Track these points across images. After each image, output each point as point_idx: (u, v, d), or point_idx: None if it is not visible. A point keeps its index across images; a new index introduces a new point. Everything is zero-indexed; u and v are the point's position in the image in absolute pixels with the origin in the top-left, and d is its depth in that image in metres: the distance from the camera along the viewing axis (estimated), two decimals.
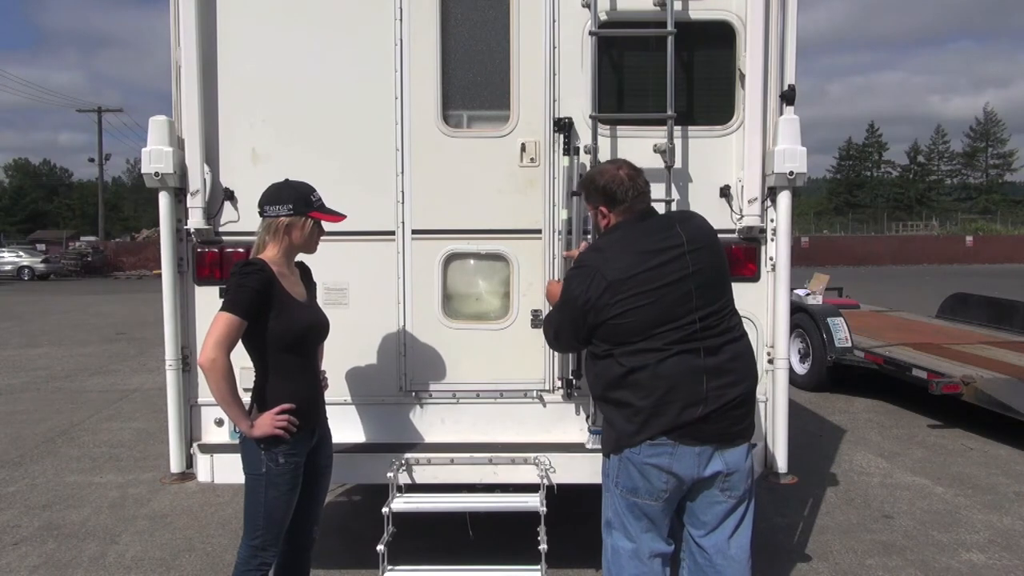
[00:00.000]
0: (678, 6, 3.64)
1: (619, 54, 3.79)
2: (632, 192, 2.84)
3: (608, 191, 2.85)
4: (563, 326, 2.90)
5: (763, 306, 3.78)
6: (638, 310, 2.66)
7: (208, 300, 3.64)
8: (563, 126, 3.68)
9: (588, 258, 2.87)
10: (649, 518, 2.79)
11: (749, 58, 3.64)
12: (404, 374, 3.83)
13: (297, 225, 2.90)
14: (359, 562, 4.15)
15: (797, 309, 8.60)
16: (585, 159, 3.67)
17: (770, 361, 3.77)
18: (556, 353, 3.77)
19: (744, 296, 3.62)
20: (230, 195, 3.75)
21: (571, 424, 3.85)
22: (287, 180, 2.98)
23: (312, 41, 3.71)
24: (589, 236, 3.71)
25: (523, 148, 3.74)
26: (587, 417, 3.79)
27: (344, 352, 3.69)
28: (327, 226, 3.03)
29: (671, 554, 2.88)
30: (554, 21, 3.69)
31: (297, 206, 2.89)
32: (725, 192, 3.75)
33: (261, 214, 2.92)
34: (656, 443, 2.67)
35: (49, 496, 5.55)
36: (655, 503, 2.75)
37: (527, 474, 3.67)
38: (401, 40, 3.70)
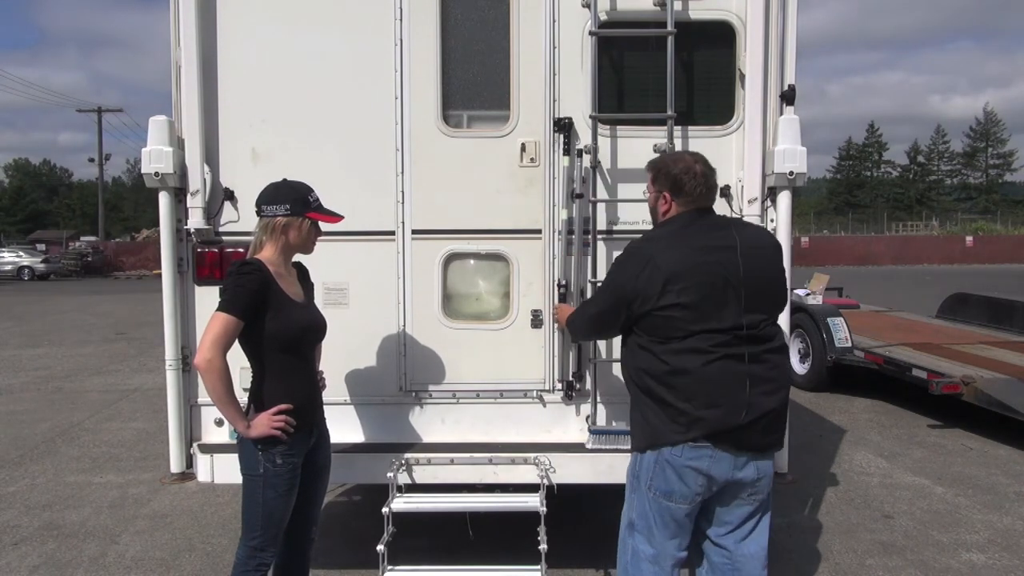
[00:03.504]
0: (678, 6, 3.64)
1: (619, 54, 3.79)
2: (701, 188, 2.79)
3: (678, 180, 2.79)
4: (605, 311, 2.83)
5: None
6: (687, 307, 2.61)
7: (208, 300, 3.62)
8: (563, 126, 3.68)
9: (642, 246, 2.80)
10: (677, 522, 2.76)
11: (749, 58, 3.64)
12: (404, 374, 3.83)
13: (294, 225, 2.89)
14: (359, 562, 4.15)
15: (797, 309, 8.60)
16: (586, 159, 3.67)
17: None
18: (556, 354, 3.77)
19: None
20: (230, 195, 3.75)
21: (571, 424, 3.85)
22: (285, 180, 2.98)
23: (312, 41, 3.70)
24: (589, 236, 3.72)
25: (523, 148, 3.74)
26: (587, 417, 3.79)
27: (344, 352, 3.69)
28: (327, 226, 3.02)
29: (685, 559, 2.87)
30: (554, 21, 3.69)
31: (295, 206, 2.88)
32: (725, 192, 3.75)
33: (258, 213, 2.91)
34: (698, 446, 2.64)
35: (49, 496, 5.54)
36: (687, 506, 2.73)
37: (527, 474, 3.67)
38: (401, 40, 3.70)
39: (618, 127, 3.75)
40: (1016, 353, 7.93)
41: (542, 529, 3.49)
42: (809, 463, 6.12)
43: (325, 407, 3.16)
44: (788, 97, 3.69)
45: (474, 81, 3.78)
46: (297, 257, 3.04)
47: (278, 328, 2.81)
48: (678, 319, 2.63)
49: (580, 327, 3.12)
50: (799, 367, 9.05)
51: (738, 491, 2.76)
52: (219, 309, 2.73)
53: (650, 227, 3.69)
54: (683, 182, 2.78)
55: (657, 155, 3.09)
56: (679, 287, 2.62)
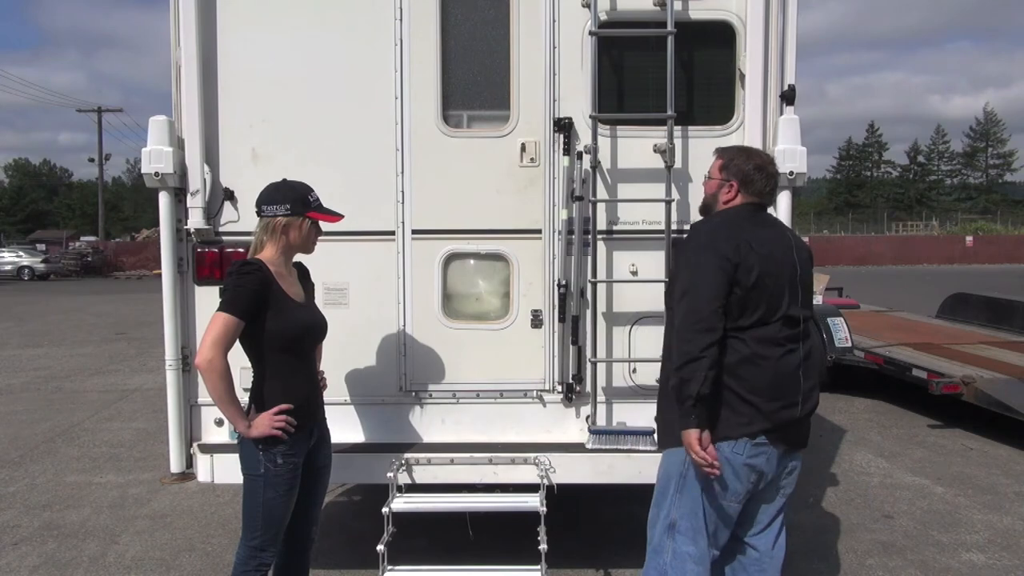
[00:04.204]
0: (678, 6, 3.64)
1: (619, 54, 3.79)
2: (767, 188, 2.83)
3: (750, 176, 2.79)
4: (717, 294, 2.58)
5: None
6: (764, 291, 2.62)
7: (208, 300, 3.63)
8: (563, 126, 3.69)
9: (722, 224, 2.76)
10: (724, 520, 2.76)
11: (749, 58, 3.64)
12: (404, 374, 3.83)
13: (295, 225, 2.89)
14: (359, 562, 4.15)
15: None
16: (586, 159, 3.67)
17: None
18: (556, 354, 3.77)
19: None
20: (230, 195, 3.75)
21: (571, 424, 3.85)
22: (285, 180, 2.98)
23: (312, 41, 3.71)
24: (589, 236, 3.72)
25: (523, 148, 3.74)
26: (587, 417, 3.79)
27: (344, 352, 3.69)
28: (326, 226, 3.03)
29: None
30: (554, 21, 3.69)
31: (295, 206, 2.88)
32: None
33: (258, 214, 2.91)
34: (757, 443, 2.65)
35: (49, 496, 5.54)
36: (738, 504, 2.75)
37: (527, 474, 3.67)
38: (401, 40, 3.70)
39: (618, 127, 3.75)
40: (1016, 353, 7.93)
41: (542, 529, 3.49)
42: (809, 463, 6.10)
43: (325, 407, 3.16)
44: (788, 97, 3.69)
45: (474, 81, 3.78)
46: (297, 257, 3.04)
47: (278, 328, 2.81)
48: (755, 299, 2.62)
49: (701, 315, 2.59)
50: None
51: (775, 489, 2.80)
52: (219, 309, 2.73)
53: (649, 227, 3.73)
54: (754, 179, 2.80)
55: (730, 144, 3.08)
56: (759, 271, 2.63)
